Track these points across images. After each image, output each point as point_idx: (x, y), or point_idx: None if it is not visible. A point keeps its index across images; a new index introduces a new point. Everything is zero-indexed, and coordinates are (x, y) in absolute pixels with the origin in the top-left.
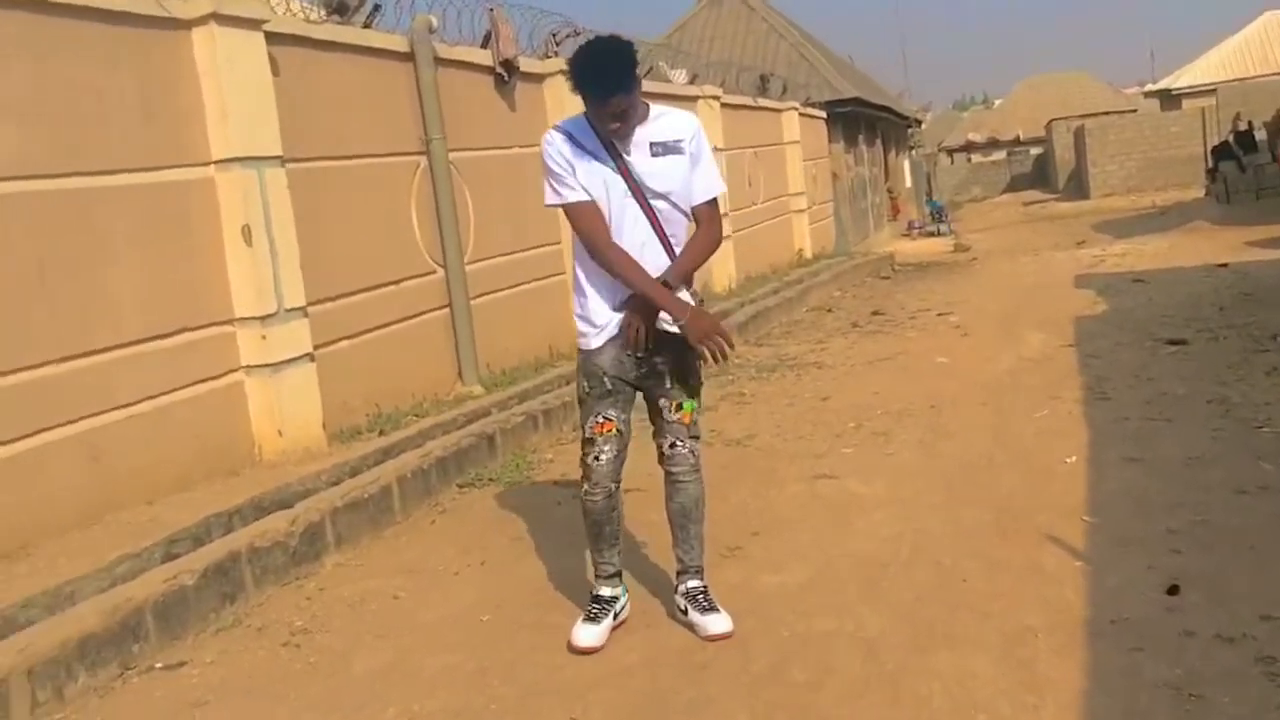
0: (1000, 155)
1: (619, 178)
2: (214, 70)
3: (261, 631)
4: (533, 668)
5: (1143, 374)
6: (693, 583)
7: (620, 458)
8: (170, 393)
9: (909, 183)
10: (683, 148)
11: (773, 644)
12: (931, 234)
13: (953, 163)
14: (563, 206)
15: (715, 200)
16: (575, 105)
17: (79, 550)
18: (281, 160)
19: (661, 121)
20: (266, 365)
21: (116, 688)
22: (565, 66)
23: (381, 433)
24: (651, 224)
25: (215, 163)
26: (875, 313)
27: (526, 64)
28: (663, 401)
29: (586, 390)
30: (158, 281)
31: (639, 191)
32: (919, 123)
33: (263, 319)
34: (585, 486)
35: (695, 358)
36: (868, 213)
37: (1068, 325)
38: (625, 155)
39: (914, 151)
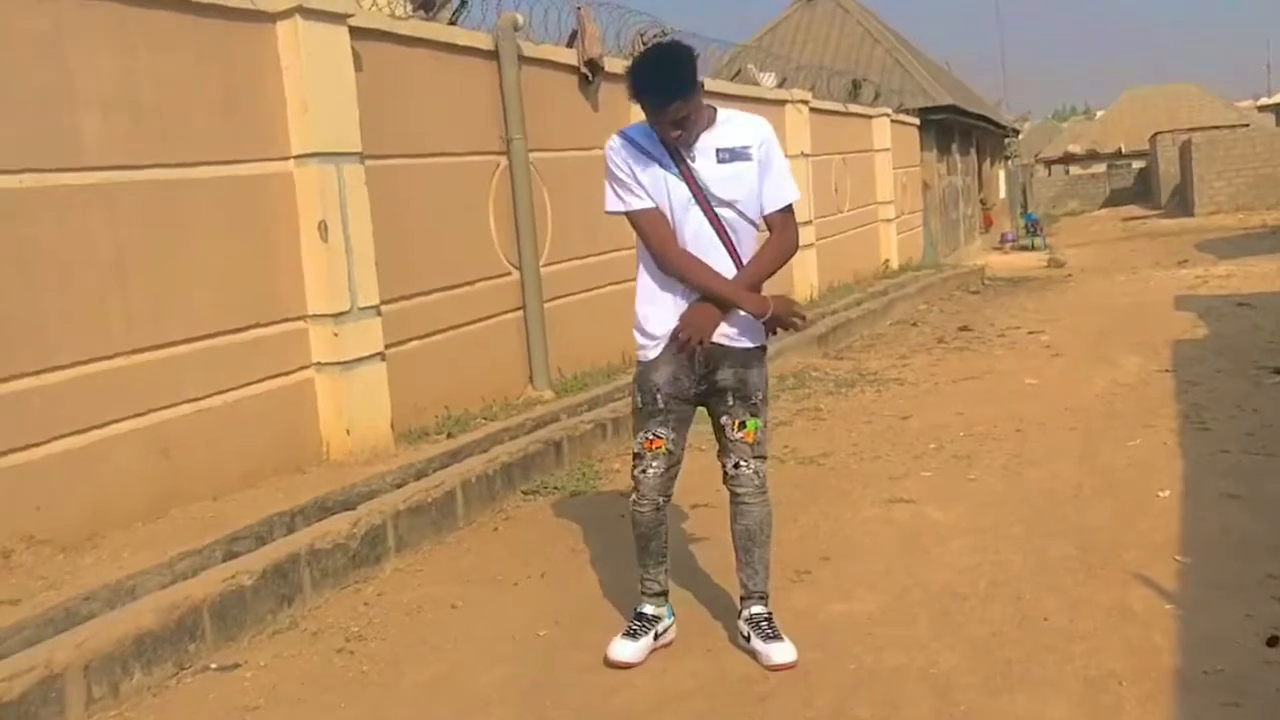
0: (1100, 168)
1: (682, 184)
2: (296, 64)
3: (317, 636)
4: (586, 689)
5: (1245, 404)
6: (756, 609)
7: (670, 474)
8: (240, 388)
9: (1003, 194)
10: (750, 154)
11: (838, 677)
12: (1025, 248)
13: (1050, 174)
14: (626, 214)
15: (789, 208)
16: None
17: (143, 543)
18: (360, 156)
19: (729, 127)
20: (337, 363)
21: (171, 687)
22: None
23: (449, 435)
24: (717, 232)
25: (295, 157)
26: (962, 329)
27: (611, 64)
28: (724, 419)
29: (639, 405)
30: (233, 275)
31: (703, 198)
32: (1016, 132)
33: (335, 316)
34: (633, 496)
35: (759, 374)
36: (959, 224)
37: (1165, 349)
38: (690, 161)
39: (1010, 162)
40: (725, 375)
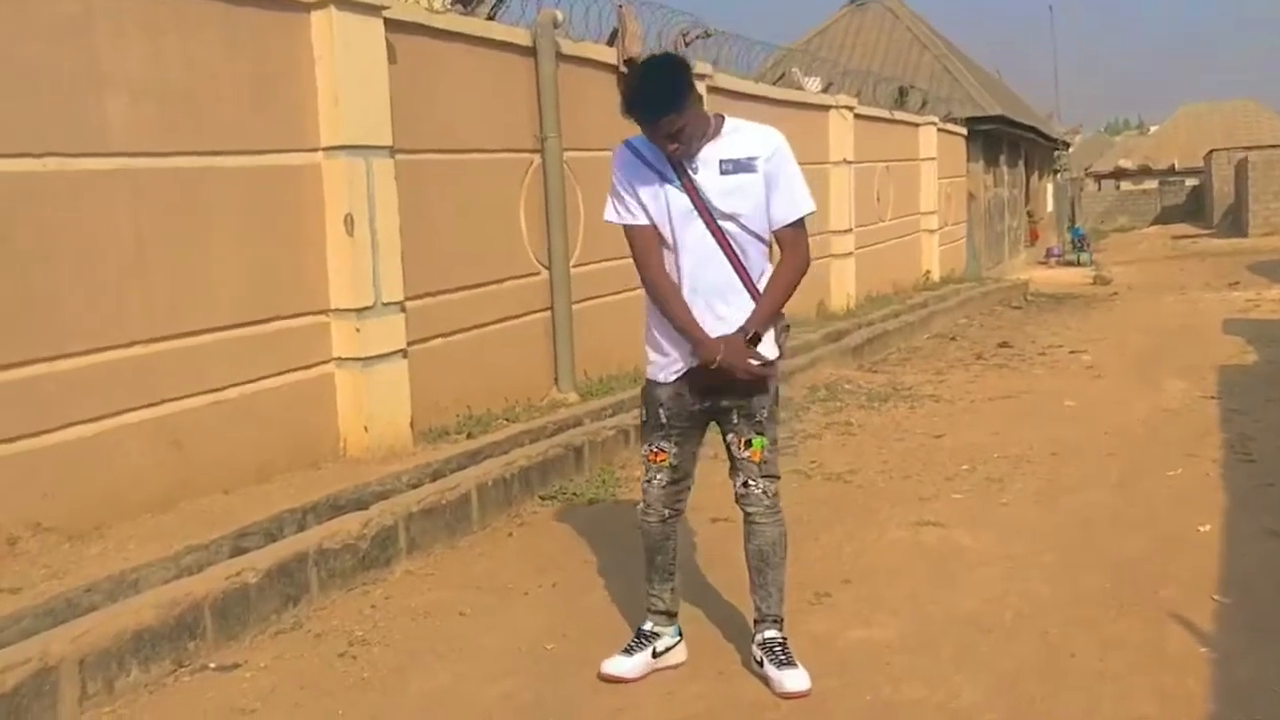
0: (1152, 184)
1: (684, 195)
2: (329, 55)
3: (320, 638)
4: (591, 709)
5: None
6: (770, 633)
7: (676, 488)
8: (258, 381)
9: (1051, 207)
10: (756, 165)
11: (852, 708)
12: (1071, 263)
13: (1100, 189)
14: (621, 225)
15: (800, 223)
16: None
17: (150, 536)
18: (391, 150)
19: (736, 137)
20: (358, 359)
21: (168, 685)
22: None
23: (469, 435)
24: (720, 245)
25: (323, 149)
26: (1002, 345)
27: None
28: (730, 438)
29: (644, 418)
30: (255, 267)
31: (705, 210)
32: (1067, 145)
33: (358, 311)
34: (640, 506)
35: (763, 393)
36: (1004, 236)
37: (1211, 374)
38: (692, 172)
39: (1059, 175)
40: (729, 397)
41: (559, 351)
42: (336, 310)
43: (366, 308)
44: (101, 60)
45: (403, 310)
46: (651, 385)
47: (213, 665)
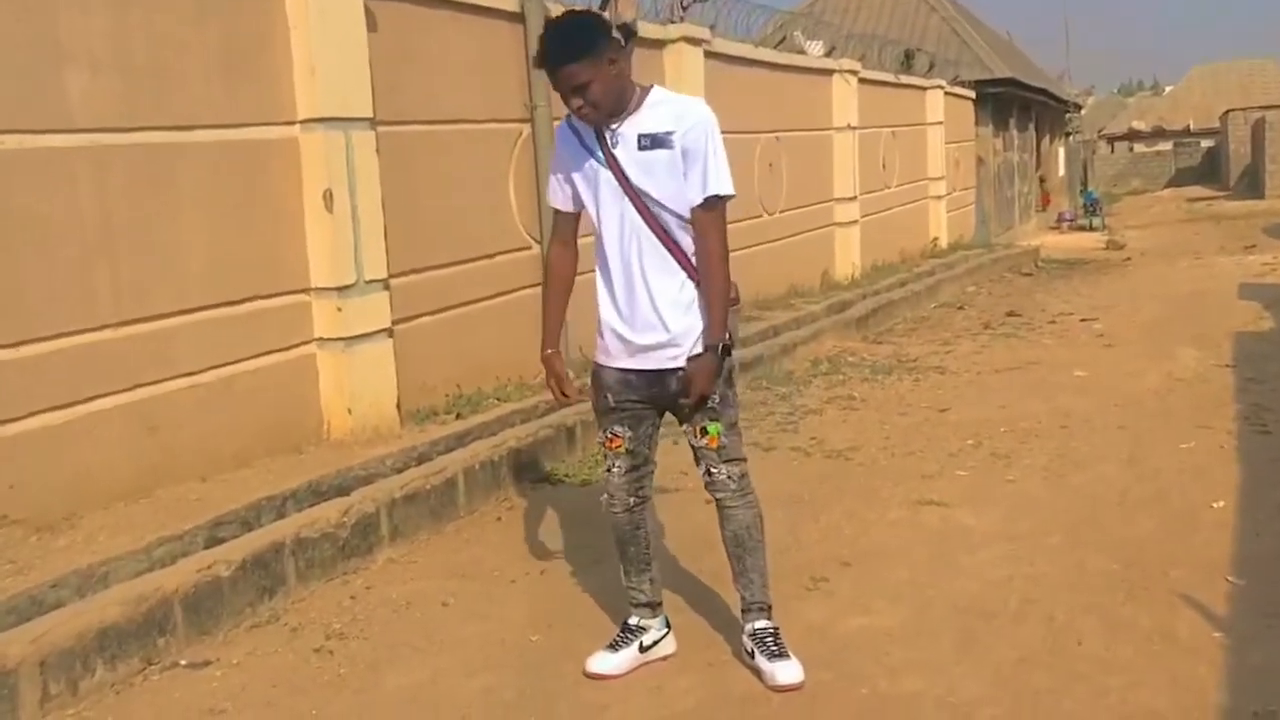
0: (1166, 146)
1: (609, 173)
2: (304, 23)
3: (296, 632)
4: (575, 705)
5: None
6: (760, 623)
7: (638, 473)
8: (235, 363)
9: (1063, 171)
10: (672, 141)
11: (847, 703)
12: (1083, 228)
13: (1113, 151)
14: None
15: (712, 205)
16: (696, 76)
17: (122, 526)
18: (371, 122)
19: (657, 110)
20: (340, 339)
21: (135, 684)
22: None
23: (459, 416)
24: (649, 225)
25: (300, 122)
26: (1011, 313)
27: (646, 29)
28: (685, 427)
29: (595, 403)
30: (230, 245)
31: (630, 189)
32: (1078, 107)
33: (339, 290)
34: (604, 497)
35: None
36: (1014, 201)
37: (1226, 342)
38: (613, 148)
39: (1071, 138)
40: (673, 383)
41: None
42: (317, 289)
43: (348, 286)
44: (61, 31)
45: (386, 288)
46: (598, 369)
47: (184, 662)
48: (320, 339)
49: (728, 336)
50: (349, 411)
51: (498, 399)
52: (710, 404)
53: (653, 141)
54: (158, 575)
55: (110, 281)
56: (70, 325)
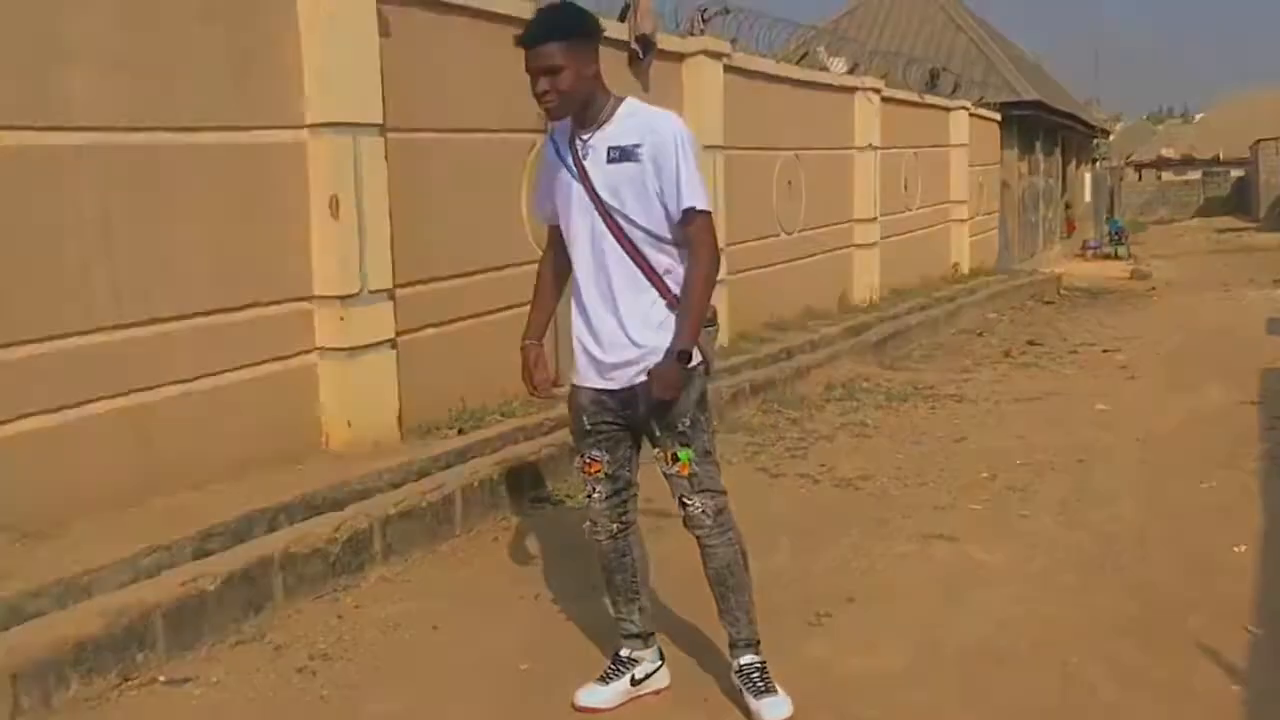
0: (1195, 175)
1: (580, 186)
2: (315, 26)
3: (279, 651)
4: None
5: None
6: (745, 659)
7: (620, 498)
8: (234, 371)
9: (1089, 198)
10: (640, 154)
11: None
12: (1108, 256)
13: (1140, 179)
14: None
15: (700, 221)
16: (715, 90)
17: (111, 535)
18: (381, 129)
19: (628, 122)
20: (342, 349)
21: (111, 700)
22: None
23: (461, 431)
24: (619, 242)
25: (308, 127)
26: (1031, 342)
27: (665, 41)
28: (656, 452)
29: (572, 425)
30: (232, 250)
31: (600, 203)
32: (1106, 133)
33: (343, 299)
34: (587, 525)
35: (684, 397)
36: (1038, 227)
37: (1253, 378)
38: (584, 160)
39: (1098, 164)
40: (645, 402)
41: (561, 342)
42: (320, 297)
43: (352, 295)
44: (65, 28)
45: (391, 298)
46: (574, 390)
47: (162, 679)
48: (322, 348)
49: (699, 355)
50: (349, 424)
51: (502, 414)
52: (680, 427)
53: (621, 154)
54: (140, 587)
55: (109, 283)
56: (65, 327)
